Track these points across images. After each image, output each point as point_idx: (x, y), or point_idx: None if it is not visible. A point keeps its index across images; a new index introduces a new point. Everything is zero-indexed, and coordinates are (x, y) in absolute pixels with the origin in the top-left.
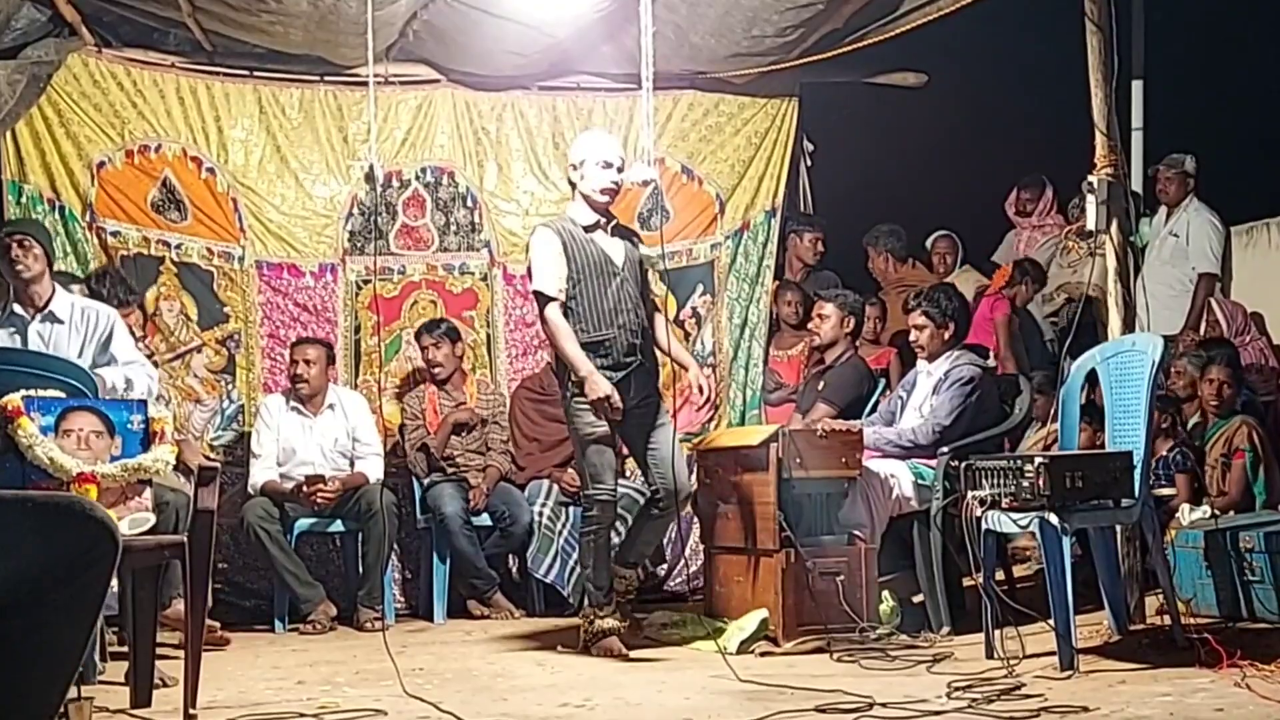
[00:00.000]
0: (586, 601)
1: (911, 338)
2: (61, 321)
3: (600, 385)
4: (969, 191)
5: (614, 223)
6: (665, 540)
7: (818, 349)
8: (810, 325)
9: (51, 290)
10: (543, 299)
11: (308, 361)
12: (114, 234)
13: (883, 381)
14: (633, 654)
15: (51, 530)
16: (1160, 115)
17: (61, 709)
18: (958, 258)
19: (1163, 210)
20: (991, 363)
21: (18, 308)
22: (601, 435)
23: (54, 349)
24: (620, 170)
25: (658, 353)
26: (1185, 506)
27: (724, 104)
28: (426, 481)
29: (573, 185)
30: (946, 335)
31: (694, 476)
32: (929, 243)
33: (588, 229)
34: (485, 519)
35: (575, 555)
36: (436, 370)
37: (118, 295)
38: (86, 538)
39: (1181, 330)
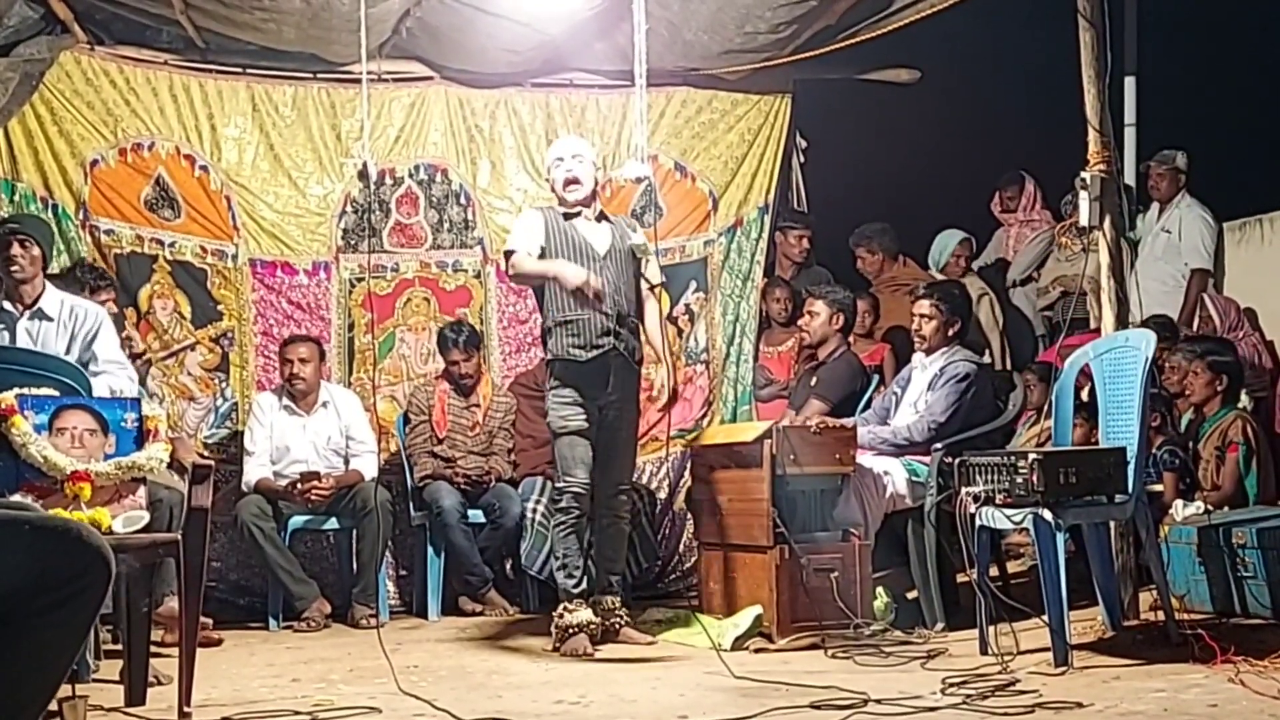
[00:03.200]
0: (559, 596)
1: (914, 326)
2: (51, 319)
3: (576, 273)
4: (962, 187)
5: (598, 211)
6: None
7: (810, 345)
8: (800, 323)
9: (42, 288)
10: (509, 254)
11: (302, 360)
12: (107, 232)
13: (876, 378)
14: (631, 652)
15: (46, 553)
16: (1152, 111)
17: (55, 709)
18: (971, 261)
19: (1155, 206)
20: (986, 359)
21: (6, 304)
22: (576, 428)
23: (42, 346)
24: (575, 158)
25: (646, 344)
26: (1179, 502)
27: (717, 101)
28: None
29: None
30: (950, 331)
31: (687, 473)
32: (950, 246)
33: (568, 216)
34: (479, 515)
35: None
36: (465, 381)
37: (90, 282)
38: (80, 563)
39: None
